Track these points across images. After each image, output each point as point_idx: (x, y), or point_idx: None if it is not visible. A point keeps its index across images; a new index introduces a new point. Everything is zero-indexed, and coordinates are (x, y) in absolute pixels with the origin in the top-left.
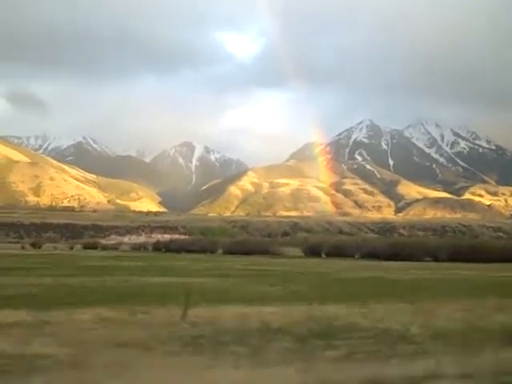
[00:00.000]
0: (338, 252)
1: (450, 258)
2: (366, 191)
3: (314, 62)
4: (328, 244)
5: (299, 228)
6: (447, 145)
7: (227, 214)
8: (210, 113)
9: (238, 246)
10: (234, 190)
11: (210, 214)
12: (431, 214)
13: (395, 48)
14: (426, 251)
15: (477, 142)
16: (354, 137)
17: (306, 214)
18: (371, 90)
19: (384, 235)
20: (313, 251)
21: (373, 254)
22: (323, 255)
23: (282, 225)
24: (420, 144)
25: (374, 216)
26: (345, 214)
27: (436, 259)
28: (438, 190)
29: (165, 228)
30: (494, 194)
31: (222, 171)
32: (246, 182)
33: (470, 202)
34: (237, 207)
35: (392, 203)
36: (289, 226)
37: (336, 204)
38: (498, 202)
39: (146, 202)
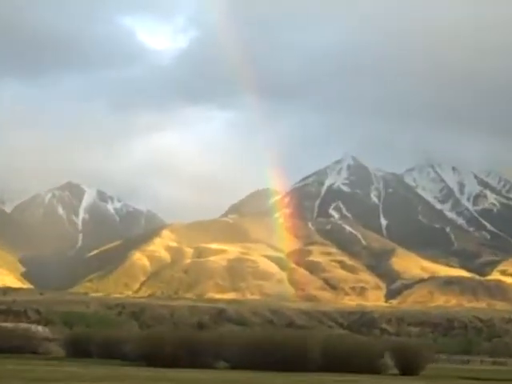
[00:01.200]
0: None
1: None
2: (343, 265)
3: (275, 67)
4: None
5: (225, 318)
6: (469, 199)
7: (128, 293)
8: (109, 140)
9: None
10: (139, 257)
11: (93, 295)
12: (441, 301)
13: (393, 54)
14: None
15: (511, 195)
16: (328, 182)
17: (250, 297)
18: (357, 113)
19: (358, 331)
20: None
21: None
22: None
23: (200, 312)
24: (428, 196)
25: (354, 303)
26: (310, 299)
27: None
28: (452, 266)
29: (7, 313)
30: None
31: (125, 229)
32: (160, 247)
33: (500, 285)
34: (142, 284)
35: (382, 284)
36: (209, 314)
37: (297, 284)
38: None
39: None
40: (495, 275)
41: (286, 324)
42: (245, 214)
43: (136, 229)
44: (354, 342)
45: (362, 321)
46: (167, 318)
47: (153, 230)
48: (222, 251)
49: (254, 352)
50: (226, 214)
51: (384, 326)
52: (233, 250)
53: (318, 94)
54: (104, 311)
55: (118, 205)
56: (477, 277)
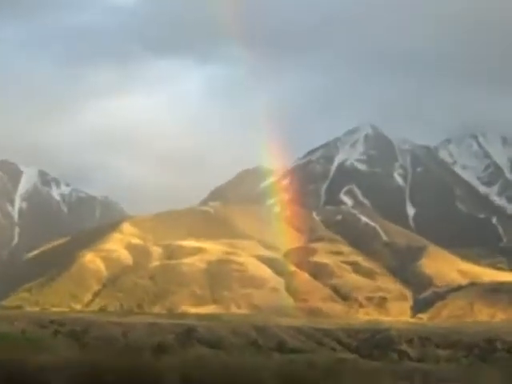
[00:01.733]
0: None
1: None
2: (357, 268)
3: (272, 10)
4: None
5: (195, 338)
6: None
7: (76, 307)
8: (55, 106)
9: None
10: (92, 259)
11: (29, 309)
12: (485, 315)
13: None
14: None
15: None
16: (338, 159)
17: (236, 310)
18: (376, 71)
19: (369, 355)
20: None
21: None
22: None
23: (162, 331)
24: (469, 176)
25: (371, 318)
26: (314, 313)
27: None
28: (500, 269)
29: None
30: None
31: (74, 221)
32: (119, 245)
33: None
34: (96, 295)
35: (409, 293)
36: (175, 334)
37: (298, 293)
38: None
39: None
40: None
41: (274, 346)
42: (230, 201)
43: (89, 221)
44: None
45: (376, 341)
46: (118, 338)
47: (110, 222)
48: (200, 250)
49: None
50: (205, 202)
51: (404, 347)
52: (214, 249)
53: (327, 46)
54: (34, 330)
55: (65, 190)
56: None
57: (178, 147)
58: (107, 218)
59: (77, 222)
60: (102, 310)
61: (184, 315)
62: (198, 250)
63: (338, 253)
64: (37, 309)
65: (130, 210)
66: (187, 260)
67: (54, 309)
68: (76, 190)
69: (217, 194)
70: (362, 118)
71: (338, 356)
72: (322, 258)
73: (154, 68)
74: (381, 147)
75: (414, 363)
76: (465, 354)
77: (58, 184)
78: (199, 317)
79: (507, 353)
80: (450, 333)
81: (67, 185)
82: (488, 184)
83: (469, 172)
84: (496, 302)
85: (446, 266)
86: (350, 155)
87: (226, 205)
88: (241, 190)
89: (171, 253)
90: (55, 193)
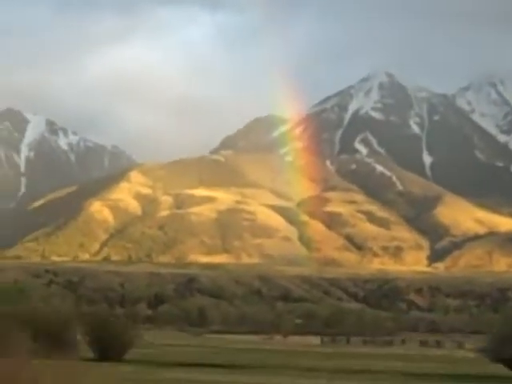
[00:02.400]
0: None
1: None
2: (372, 218)
3: None
4: None
5: (196, 289)
6: None
7: (84, 256)
8: (60, 54)
9: None
10: (99, 209)
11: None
12: (503, 265)
13: None
14: None
15: None
16: (353, 107)
17: (246, 260)
18: (392, 15)
19: (377, 305)
20: None
21: None
22: None
23: (162, 281)
24: (488, 124)
25: (383, 267)
26: (328, 263)
27: None
28: None
29: None
30: None
31: (82, 171)
32: (127, 195)
33: None
34: (104, 244)
35: (425, 243)
36: (175, 283)
37: (311, 242)
38: None
39: None
40: None
41: (277, 295)
42: (242, 149)
43: (97, 171)
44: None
45: (384, 291)
46: (116, 289)
47: (118, 171)
48: (211, 199)
49: None
50: (216, 151)
51: (412, 297)
52: (225, 198)
53: None
54: (27, 280)
55: (73, 139)
56: None
57: (188, 95)
58: (116, 167)
59: (85, 172)
60: (106, 259)
61: (187, 265)
62: (208, 199)
63: (352, 202)
64: (38, 259)
65: (140, 159)
66: (197, 209)
67: (57, 258)
68: (84, 139)
69: (228, 143)
70: (377, 65)
71: (343, 305)
72: (335, 208)
73: (160, 14)
74: (396, 95)
75: (422, 313)
76: (476, 304)
77: (65, 133)
78: (203, 266)
79: None
80: (461, 283)
81: (75, 134)
82: (507, 132)
83: (487, 120)
84: None
85: (463, 215)
86: (365, 103)
87: (238, 153)
88: (252, 139)
89: (181, 202)
90: (62, 142)
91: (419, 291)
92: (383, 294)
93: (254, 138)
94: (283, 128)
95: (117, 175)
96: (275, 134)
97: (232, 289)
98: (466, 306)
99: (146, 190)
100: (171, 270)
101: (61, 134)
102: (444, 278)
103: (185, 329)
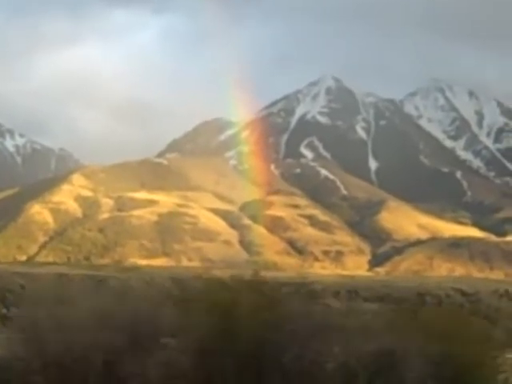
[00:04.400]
0: None
1: None
2: (314, 222)
3: None
4: None
5: (102, 290)
6: (489, 133)
7: (21, 258)
8: (8, 56)
9: None
10: (39, 211)
11: None
12: (444, 270)
13: None
14: None
15: None
16: (300, 111)
17: (186, 263)
18: (341, 20)
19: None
20: None
21: None
22: None
23: (70, 283)
24: (435, 130)
25: (325, 271)
26: (268, 266)
27: None
28: (461, 223)
29: None
30: None
31: (28, 173)
32: (67, 197)
33: None
34: (42, 247)
35: (367, 247)
36: (84, 285)
37: (252, 246)
38: None
39: None
40: None
41: (189, 297)
42: (188, 153)
43: (43, 173)
44: None
45: (299, 295)
46: (14, 290)
47: (62, 174)
48: (152, 203)
49: None
50: (162, 153)
51: (328, 301)
52: (166, 202)
53: None
54: None
55: (19, 141)
56: (493, 237)
57: (137, 98)
58: (63, 169)
59: (31, 174)
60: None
61: (102, 267)
62: (150, 203)
63: (295, 206)
64: None
65: (87, 162)
66: (138, 212)
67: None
68: (31, 141)
69: (174, 146)
70: (325, 70)
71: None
72: (277, 211)
73: (108, 18)
74: (343, 100)
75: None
76: (393, 308)
77: (12, 135)
78: (119, 268)
79: (438, 304)
80: (378, 286)
81: (22, 136)
82: (454, 138)
83: (434, 125)
84: (456, 256)
85: (406, 221)
86: (312, 108)
87: (182, 157)
88: (199, 142)
89: (122, 205)
90: (9, 144)
91: (336, 295)
92: (299, 297)
93: (201, 141)
94: (230, 131)
95: (60, 178)
96: (222, 137)
97: (142, 291)
98: (383, 310)
99: (87, 193)
100: (82, 271)
101: (7, 136)
102: (362, 283)
103: None
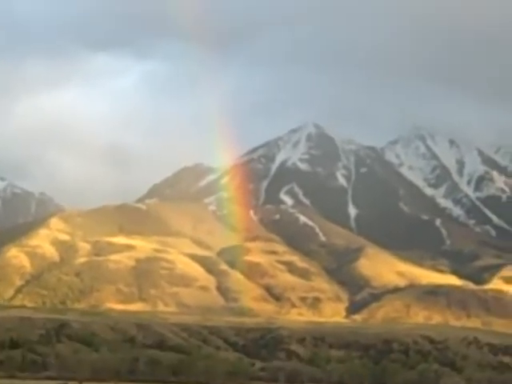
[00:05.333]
0: None
1: None
2: (292, 268)
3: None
4: None
5: (66, 334)
6: (470, 182)
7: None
8: None
9: None
10: (16, 255)
11: None
12: (421, 318)
13: None
14: None
15: None
16: (280, 158)
17: (162, 308)
18: (323, 68)
19: (256, 354)
20: None
21: None
22: None
23: (33, 326)
24: (415, 178)
25: (302, 318)
26: (244, 313)
27: None
28: (440, 271)
29: None
30: None
31: (8, 217)
32: (44, 241)
33: (499, 297)
34: (18, 291)
35: (345, 294)
36: (45, 329)
37: (229, 292)
38: None
39: None
40: (496, 284)
41: (153, 343)
42: (167, 198)
43: (23, 217)
44: None
45: (266, 340)
46: None
47: (40, 218)
48: (130, 247)
49: None
50: (142, 199)
51: (294, 347)
52: (144, 247)
53: (271, 41)
54: None
55: (0, 185)
56: (471, 285)
57: (117, 143)
58: (43, 213)
59: (10, 218)
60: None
61: (66, 310)
62: (127, 247)
63: (273, 252)
64: None
65: (68, 206)
66: (115, 257)
67: None
68: (12, 184)
69: (155, 191)
70: (306, 116)
71: (219, 355)
72: (255, 258)
73: (90, 62)
74: (324, 147)
75: (285, 363)
76: (359, 355)
77: None
78: (81, 312)
79: (403, 354)
80: (344, 333)
81: (3, 179)
82: (435, 186)
83: (415, 173)
84: (433, 304)
85: (385, 268)
86: (292, 154)
87: (162, 202)
88: (179, 188)
89: (99, 249)
90: None
91: (302, 341)
92: (264, 343)
93: (181, 186)
94: (211, 177)
95: (38, 222)
96: (202, 183)
97: (105, 336)
98: (349, 357)
99: (64, 237)
100: (45, 315)
101: None
102: (331, 329)
103: (15, 374)
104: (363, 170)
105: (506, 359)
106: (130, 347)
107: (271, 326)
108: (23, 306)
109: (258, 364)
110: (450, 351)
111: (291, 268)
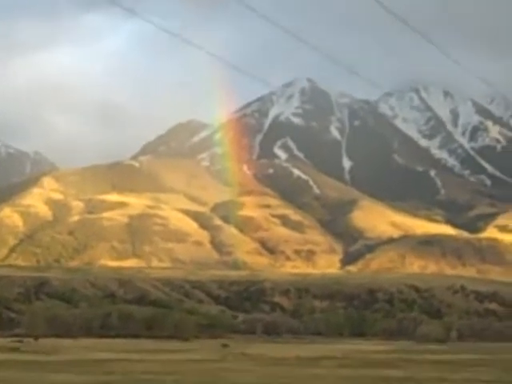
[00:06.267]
0: None
1: None
2: (286, 221)
3: None
4: None
5: (45, 292)
6: (464, 133)
7: None
8: None
9: None
10: (9, 214)
11: None
12: (417, 268)
13: None
14: None
15: None
16: (273, 112)
17: (156, 264)
18: (316, 20)
19: (239, 307)
20: None
21: None
22: None
23: (11, 284)
24: (410, 129)
25: (296, 271)
26: (239, 267)
27: None
28: (434, 221)
29: None
30: None
31: (2, 177)
32: (38, 200)
33: (494, 245)
34: (12, 250)
35: (339, 246)
36: (24, 287)
37: (223, 246)
38: None
39: None
40: (490, 232)
41: (134, 298)
42: (161, 155)
43: (17, 177)
44: None
45: (249, 293)
46: None
47: (34, 177)
48: (122, 205)
49: None
50: (136, 156)
51: (277, 299)
52: (137, 203)
53: None
54: None
55: None
56: (465, 234)
57: (110, 101)
58: (38, 173)
59: (4, 178)
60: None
61: (50, 269)
62: (120, 205)
63: (267, 206)
64: None
65: (62, 165)
66: (108, 214)
67: None
68: (6, 145)
69: (148, 149)
70: (300, 71)
71: (202, 309)
72: (249, 212)
73: (80, 21)
74: (317, 101)
75: (266, 314)
76: (343, 305)
77: None
78: (65, 269)
79: (388, 304)
80: (329, 284)
81: None
82: (429, 137)
83: (409, 125)
84: (428, 254)
85: (379, 219)
86: (286, 109)
87: (155, 159)
88: (172, 145)
89: (92, 207)
90: None
91: (286, 293)
92: (248, 296)
93: (175, 143)
94: (204, 133)
95: (31, 181)
96: (196, 139)
97: (85, 292)
98: (333, 307)
99: (57, 196)
100: (25, 273)
101: None
102: (314, 280)
103: None
104: (357, 122)
105: (492, 306)
106: (110, 303)
107: (255, 278)
108: (14, 266)
109: (241, 317)
110: (436, 299)
111: (285, 221)
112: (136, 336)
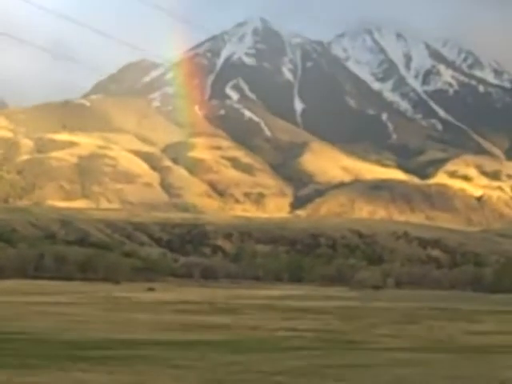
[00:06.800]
0: None
1: None
2: (236, 164)
3: None
4: None
5: None
6: (417, 76)
7: None
8: None
9: None
10: None
11: None
12: (366, 212)
13: None
14: None
15: (475, 71)
16: (225, 52)
17: (105, 205)
18: None
19: (181, 249)
20: None
21: None
22: None
23: None
24: (362, 72)
25: (245, 214)
26: (187, 209)
27: None
28: (385, 166)
29: None
30: (494, 175)
31: None
32: None
33: (443, 191)
34: None
35: (289, 189)
36: None
37: (172, 188)
38: (496, 193)
39: None
40: (440, 178)
41: (75, 239)
42: (112, 94)
43: None
44: None
45: (191, 236)
46: None
47: None
48: (72, 144)
49: None
50: (87, 95)
51: (220, 243)
52: (87, 143)
53: None
54: None
55: None
56: (415, 180)
57: (62, 39)
58: None
59: None
60: None
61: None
62: (70, 144)
63: (218, 148)
64: None
65: (12, 103)
66: (58, 154)
67: None
68: None
69: (99, 88)
70: (252, 10)
71: (142, 251)
72: (200, 154)
73: None
74: (270, 41)
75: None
76: (286, 250)
77: None
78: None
79: (330, 248)
80: (272, 228)
81: None
82: (382, 80)
83: (362, 67)
84: (377, 199)
85: (330, 163)
86: (238, 49)
87: (105, 98)
88: (123, 84)
89: (42, 146)
90: None
91: (229, 237)
92: (190, 239)
93: (126, 82)
94: (155, 73)
95: None
96: (147, 79)
97: (24, 232)
98: (275, 251)
99: (7, 134)
100: None
101: None
102: (257, 224)
103: None
104: (310, 64)
105: (435, 253)
106: (49, 244)
107: (199, 221)
108: None
109: (182, 259)
110: (378, 245)
111: (235, 164)
112: (69, 278)
